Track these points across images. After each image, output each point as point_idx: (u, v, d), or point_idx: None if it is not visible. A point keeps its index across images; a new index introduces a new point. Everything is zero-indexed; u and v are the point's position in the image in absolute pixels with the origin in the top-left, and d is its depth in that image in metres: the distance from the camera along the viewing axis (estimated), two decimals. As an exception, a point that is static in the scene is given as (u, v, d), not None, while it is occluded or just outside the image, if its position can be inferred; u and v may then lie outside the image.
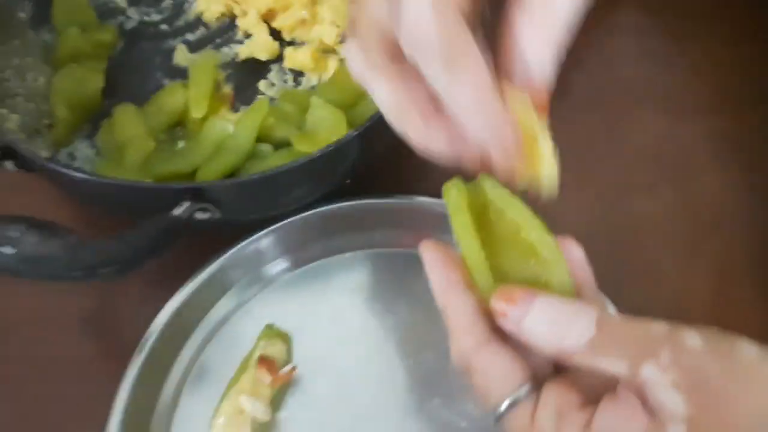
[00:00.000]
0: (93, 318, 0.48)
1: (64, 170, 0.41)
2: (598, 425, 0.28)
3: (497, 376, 0.30)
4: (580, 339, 0.28)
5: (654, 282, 0.50)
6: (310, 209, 0.48)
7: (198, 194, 0.40)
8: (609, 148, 0.55)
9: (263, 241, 0.47)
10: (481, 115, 0.29)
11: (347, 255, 0.50)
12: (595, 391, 0.29)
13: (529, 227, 0.33)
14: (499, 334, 0.31)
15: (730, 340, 0.28)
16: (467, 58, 0.28)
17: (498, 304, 0.30)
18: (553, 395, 0.29)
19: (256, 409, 0.43)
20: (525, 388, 0.30)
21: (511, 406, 0.30)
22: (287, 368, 0.45)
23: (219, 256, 0.46)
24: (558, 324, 0.29)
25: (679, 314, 0.48)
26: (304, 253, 0.49)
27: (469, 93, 0.29)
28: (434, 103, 0.31)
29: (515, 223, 0.33)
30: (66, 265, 0.35)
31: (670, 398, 0.26)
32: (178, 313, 0.45)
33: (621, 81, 0.58)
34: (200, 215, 0.42)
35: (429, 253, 0.34)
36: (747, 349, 0.28)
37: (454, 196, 0.33)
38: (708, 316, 0.49)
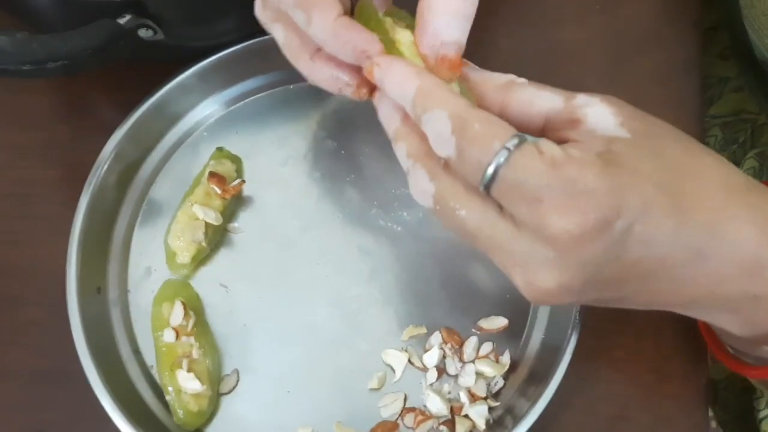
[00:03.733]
0: (55, 145, 0.51)
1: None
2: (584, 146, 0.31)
3: (495, 125, 0.31)
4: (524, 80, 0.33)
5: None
6: (252, 39, 0.50)
7: (139, 7, 0.42)
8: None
9: (207, 70, 0.50)
10: (340, 43, 0.33)
11: (291, 87, 0.53)
12: None
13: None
14: None
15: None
16: (319, 3, 0.33)
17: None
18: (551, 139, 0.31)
19: (208, 215, 0.46)
20: (518, 136, 0.30)
21: (509, 150, 0.30)
22: (236, 182, 0.48)
23: (162, 86, 0.49)
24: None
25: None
26: (248, 84, 0.52)
27: (324, 28, 0.33)
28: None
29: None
30: (15, 58, 0.37)
31: (602, 112, 0.31)
32: (125, 141, 0.48)
33: None
34: (144, 33, 0.44)
35: (388, 68, 0.34)
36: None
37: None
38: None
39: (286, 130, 0.51)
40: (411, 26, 0.35)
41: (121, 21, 0.42)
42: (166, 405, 0.44)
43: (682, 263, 0.31)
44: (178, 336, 0.44)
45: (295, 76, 0.51)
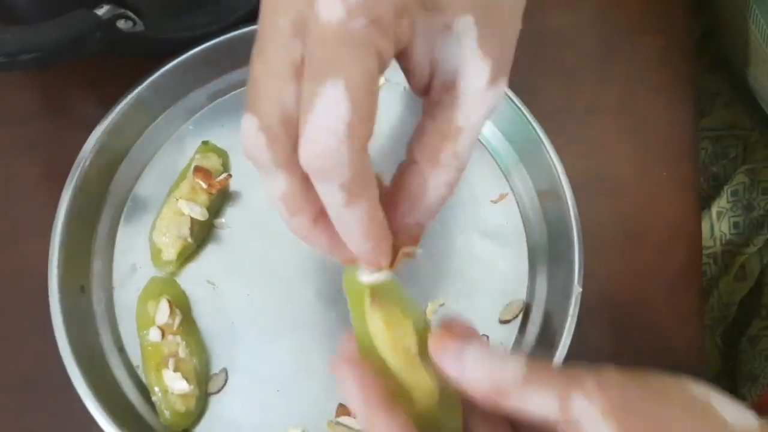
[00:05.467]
0: (34, 141, 0.50)
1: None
2: None
3: None
4: (515, 372, 0.28)
5: (568, 87, 0.52)
6: (236, 29, 0.49)
7: (117, -3, 0.41)
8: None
9: (191, 62, 0.48)
10: (364, 236, 0.29)
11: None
12: None
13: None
14: None
15: (642, 372, 0.28)
16: (367, 193, 0.28)
17: (437, 342, 0.30)
18: None
19: (194, 211, 0.45)
20: None
21: None
22: (222, 176, 0.47)
23: (144, 79, 0.47)
24: (493, 360, 0.29)
25: (594, 110, 0.52)
26: (233, 76, 0.50)
27: (359, 223, 0.28)
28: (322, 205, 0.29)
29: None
30: (-13, 50, 0.36)
31: (602, 429, 0.27)
32: (107, 137, 0.46)
33: None
34: (123, 24, 0.43)
35: (342, 376, 0.30)
36: (657, 376, 0.28)
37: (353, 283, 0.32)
38: (620, 111, 0.52)
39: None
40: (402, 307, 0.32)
41: (99, 12, 0.41)
42: (152, 406, 0.43)
43: None
44: (164, 335, 0.43)
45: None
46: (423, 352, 0.31)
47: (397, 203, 0.31)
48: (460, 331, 0.30)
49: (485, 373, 0.28)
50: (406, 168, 0.31)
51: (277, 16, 0.27)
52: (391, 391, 0.30)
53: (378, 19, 0.26)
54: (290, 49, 0.27)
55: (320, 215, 0.30)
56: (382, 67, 0.27)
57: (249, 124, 0.28)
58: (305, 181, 0.28)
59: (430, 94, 0.30)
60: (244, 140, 0.28)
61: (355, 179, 0.27)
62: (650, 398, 0.27)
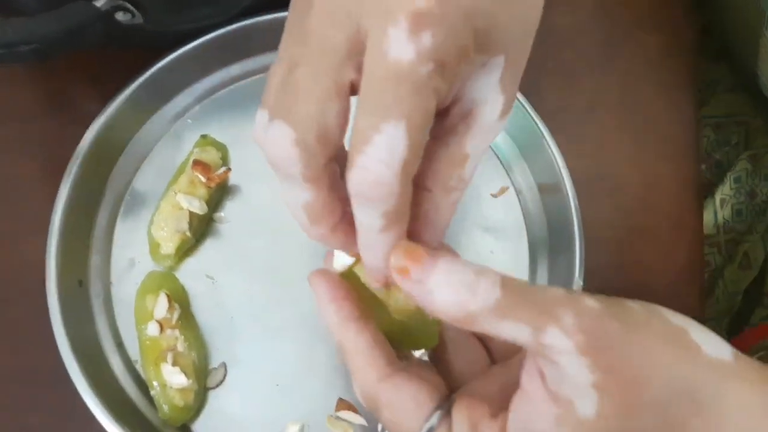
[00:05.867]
0: (32, 137, 0.50)
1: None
2: (512, 429, 0.28)
3: (406, 408, 0.30)
4: (487, 300, 0.27)
5: (568, 86, 0.52)
6: (236, 22, 0.48)
7: (116, -13, 0.40)
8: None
9: (190, 55, 0.48)
10: (384, 256, 0.29)
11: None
12: (503, 395, 0.29)
13: None
14: (400, 363, 0.31)
15: (620, 302, 0.28)
16: (402, 223, 0.29)
17: (399, 261, 0.28)
18: (464, 414, 0.29)
19: (192, 204, 0.45)
20: (436, 415, 0.30)
21: None
22: (221, 170, 0.46)
23: (143, 73, 0.47)
24: (463, 284, 0.27)
25: (594, 108, 0.52)
26: (232, 69, 0.50)
27: (386, 246, 0.29)
28: (342, 208, 0.30)
29: None
30: (-15, 41, 0.36)
31: (575, 366, 0.26)
32: (105, 131, 0.46)
33: None
34: (122, 17, 0.43)
35: (317, 287, 0.31)
36: (634, 306, 0.28)
37: None
38: (621, 108, 0.51)
39: (272, 117, 0.50)
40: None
41: (97, 3, 0.40)
42: (151, 400, 0.43)
43: None
44: (162, 329, 0.43)
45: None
46: None
47: (412, 227, 0.31)
48: (424, 251, 0.28)
49: (454, 300, 0.27)
50: (418, 195, 0.31)
51: (334, 27, 0.27)
52: (366, 302, 0.31)
53: (443, 64, 0.26)
54: (342, 70, 0.27)
55: (339, 223, 0.30)
56: (439, 107, 0.28)
57: (281, 132, 0.27)
58: (330, 194, 0.29)
59: (446, 120, 0.30)
60: (275, 150, 0.28)
61: (398, 209, 0.28)
62: (628, 332, 0.27)
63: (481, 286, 0.27)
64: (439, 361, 0.33)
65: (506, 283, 0.27)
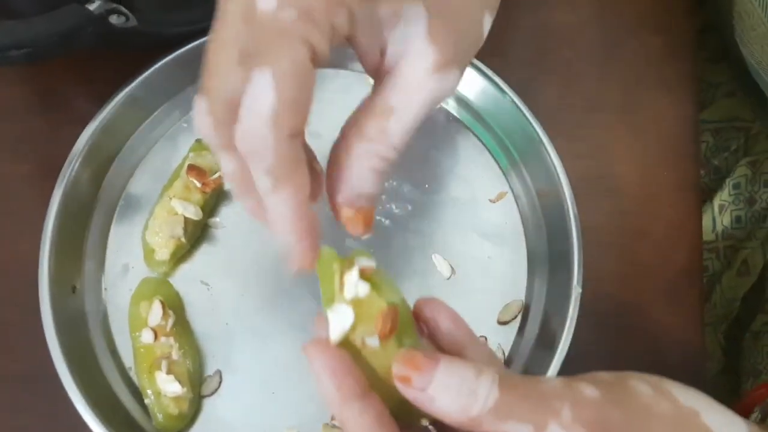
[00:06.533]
0: (26, 138, 0.49)
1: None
2: None
3: None
4: (486, 404, 0.26)
5: (568, 86, 0.52)
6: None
7: (109, -9, 0.40)
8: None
9: (185, 58, 0.47)
10: (288, 226, 0.29)
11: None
12: None
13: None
14: None
15: (622, 384, 0.27)
16: (293, 182, 0.28)
17: (401, 370, 0.28)
18: None
19: (187, 210, 0.44)
20: None
21: None
22: (216, 175, 0.46)
23: (138, 76, 0.47)
24: (462, 391, 0.27)
25: (594, 109, 0.51)
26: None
27: (284, 210, 0.29)
28: None
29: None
30: (-24, 46, 0.35)
31: None
32: (99, 134, 0.46)
33: None
34: (116, 20, 0.42)
35: (314, 360, 0.29)
36: (639, 386, 0.27)
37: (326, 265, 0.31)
38: (620, 109, 0.51)
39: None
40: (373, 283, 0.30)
41: (91, 6, 0.40)
42: (145, 407, 0.43)
43: None
44: (156, 336, 0.42)
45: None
46: (403, 333, 0.29)
47: (329, 183, 0.31)
48: (423, 357, 0.28)
49: (454, 403, 0.27)
50: (335, 145, 0.31)
51: (230, 1, 0.28)
52: (367, 372, 0.29)
53: (308, 11, 0.27)
54: (239, 36, 0.28)
55: None
56: (315, 58, 0.28)
57: (198, 106, 0.29)
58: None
59: (378, 77, 0.31)
60: (196, 121, 0.30)
61: (280, 165, 0.28)
62: (631, 421, 0.26)
63: (480, 388, 0.27)
64: (445, 429, 0.31)
65: (504, 381, 0.27)
